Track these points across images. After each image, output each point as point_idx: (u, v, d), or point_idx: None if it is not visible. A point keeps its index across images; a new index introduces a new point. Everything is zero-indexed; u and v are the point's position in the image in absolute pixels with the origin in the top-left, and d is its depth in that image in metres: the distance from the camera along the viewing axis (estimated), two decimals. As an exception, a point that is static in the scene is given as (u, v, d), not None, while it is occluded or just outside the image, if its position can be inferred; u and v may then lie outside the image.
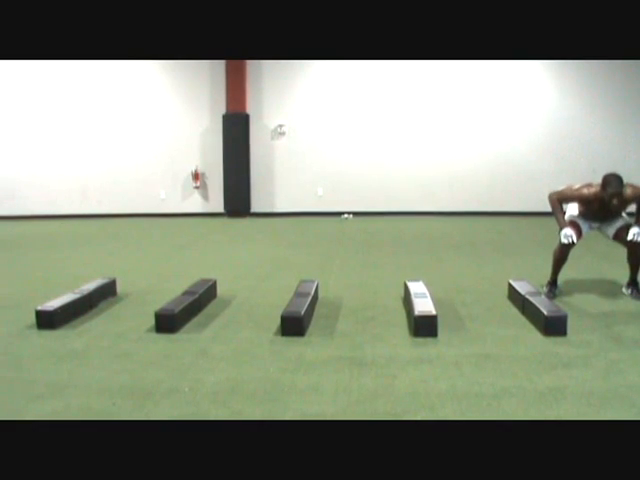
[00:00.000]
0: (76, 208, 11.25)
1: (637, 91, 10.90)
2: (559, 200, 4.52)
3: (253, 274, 5.81)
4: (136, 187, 11.33)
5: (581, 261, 5.80)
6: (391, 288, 5.00)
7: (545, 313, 3.71)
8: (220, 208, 11.23)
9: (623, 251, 4.61)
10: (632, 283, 4.65)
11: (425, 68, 10.97)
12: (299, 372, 3.13)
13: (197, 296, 4.29)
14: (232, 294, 4.83)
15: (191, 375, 3.11)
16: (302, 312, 3.78)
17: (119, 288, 4.91)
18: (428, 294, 4.13)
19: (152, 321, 3.89)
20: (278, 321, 3.80)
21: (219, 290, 4.82)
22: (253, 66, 11.15)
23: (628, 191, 4.29)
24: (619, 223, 4.53)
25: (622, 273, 4.81)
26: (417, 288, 4.29)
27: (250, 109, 11.17)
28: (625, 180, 4.27)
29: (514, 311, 4.26)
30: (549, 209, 4.57)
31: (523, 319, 4.05)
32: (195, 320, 4.11)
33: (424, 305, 3.87)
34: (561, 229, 4.44)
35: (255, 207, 11.35)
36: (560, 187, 4.66)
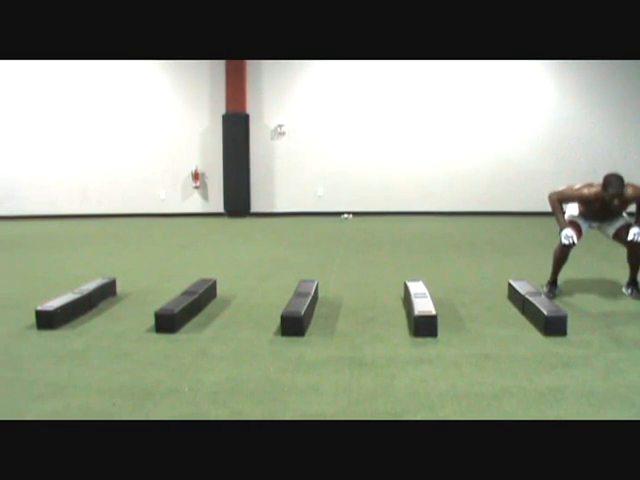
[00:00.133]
0: (76, 208, 11.25)
1: (637, 91, 10.90)
2: (559, 200, 4.52)
3: (253, 274, 5.81)
4: (136, 187, 11.33)
5: (581, 261, 5.80)
6: (391, 288, 5.00)
7: (545, 313, 3.71)
8: (220, 208, 11.23)
9: (623, 251, 4.61)
10: (632, 283, 4.65)
11: (425, 68, 10.97)
12: (299, 372, 3.13)
13: (197, 296, 4.29)
14: (232, 294, 4.83)
15: (191, 375, 3.11)
16: (302, 312, 3.78)
17: (119, 288, 4.91)
18: (428, 294, 4.13)
19: (152, 321, 3.89)
20: (278, 321, 3.80)
21: (219, 290, 4.82)
22: (253, 66, 11.16)
23: (629, 191, 4.29)
24: (619, 223, 4.53)
25: (622, 273, 4.81)
26: (417, 288, 4.29)
27: (250, 109, 11.17)
28: (625, 180, 4.27)
29: (514, 311, 4.26)
30: (549, 209, 4.57)
31: (523, 319, 4.05)
32: (195, 320, 4.11)
33: (424, 305, 3.86)
34: (561, 230, 4.44)
35: (255, 207, 11.35)
36: (560, 187, 4.66)
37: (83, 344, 3.63)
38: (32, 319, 3.97)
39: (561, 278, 4.78)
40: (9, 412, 2.66)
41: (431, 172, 11.16)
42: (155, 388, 2.92)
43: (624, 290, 4.71)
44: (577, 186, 4.54)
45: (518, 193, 10.94)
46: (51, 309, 3.95)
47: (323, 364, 3.23)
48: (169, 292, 4.57)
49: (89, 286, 4.54)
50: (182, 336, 3.78)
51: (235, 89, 11.04)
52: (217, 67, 11.11)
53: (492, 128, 11.10)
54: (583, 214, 4.58)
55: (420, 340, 3.63)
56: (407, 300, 4.25)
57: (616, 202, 4.29)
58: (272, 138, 11.36)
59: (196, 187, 11.35)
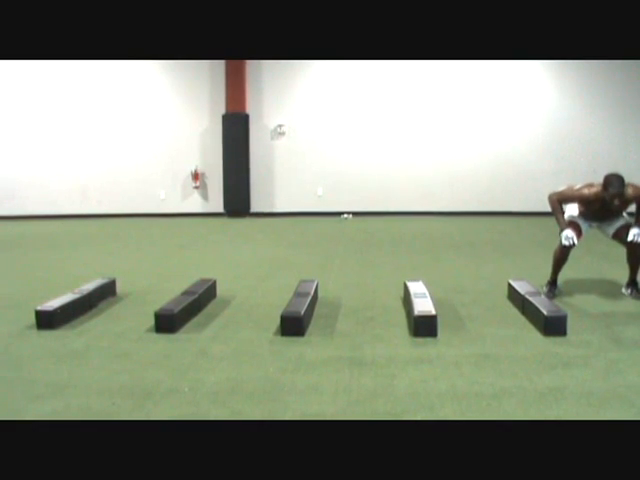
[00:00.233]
0: (76, 208, 11.26)
1: (637, 91, 10.91)
2: (559, 201, 4.51)
3: (253, 274, 5.81)
4: (136, 187, 11.33)
5: (581, 261, 5.80)
6: (391, 288, 5.00)
7: (545, 313, 3.71)
8: (220, 208, 11.23)
9: (623, 251, 4.61)
10: (631, 283, 4.65)
11: (425, 68, 10.98)
12: (299, 372, 3.13)
13: (197, 296, 4.29)
14: (232, 294, 4.83)
15: (191, 375, 3.11)
16: (302, 312, 3.78)
17: (119, 288, 4.91)
18: (428, 294, 4.13)
19: (152, 321, 3.89)
20: (278, 321, 3.80)
21: (219, 290, 4.82)
22: (253, 66, 11.16)
23: (629, 191, 4.29)
24: (619, 223, 4.53)
25: (622, 273, 4.81)
26: (417, 288, 4.29)
27: (250, 109, 11.17)
28: (625, 180, 4.27)
29: (514, 311, 4.26)
30: (549, 209, 4.57)
31: (523, 319, 4.05)
32: (195, 320, 4.11)
33: (424, 305, 3.86)
34: (562, 231, 4.44)
35: (255, 207, 11.36)
36: (560, 187, 4.66)
37: (83, 344, 3.63)
38: (32, 319, 3.97)
39: (561, 278, 4.78)
40: (9, 412, 2.66)
41: (431, 172, 11.17)
42: (155, 388, 2.92)
43: (624, 290, 4.71)
44: (577, 186, 4.54)
45: (518, 193, 10.95)
46: (51, 309, 3.95)
47: (323, 364, 3.23)
48: (169, 292, 4.57)
49: (89, 286, 4.54)
50: (182, 336, 3.78)
51: (235, 89, 11.04)
52: (217, 67, 11.11)
53: (492, 128, 11.10)
54: (583, 214, 4.58)
55: (420, 340, 3.63)
56: (407, 300, 4.25)
57: (616, 202, 4.29)
58: (272, 138, 11.37)
59: (196, 187, 11.35)
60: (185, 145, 11.36)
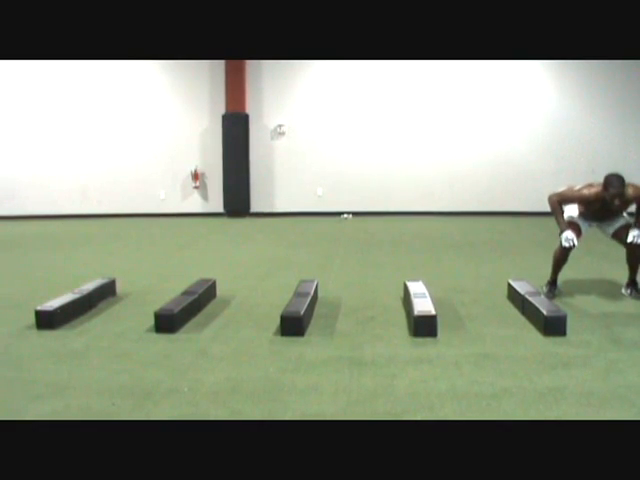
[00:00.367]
0: (76, 208, 11.26)
1: (637, 91, 10.91)
2: (559, 202, 4.50)
3: (253, 274, 5.81)
4: (136, 187, 11.33)
5: (581, 261, 5.80)
6: (391, 288, 5.00)
7: (545, 313, 3.71)
8: (220, 208, 11.23)
9: (623, 251, 4.61)
10: (631, 283, 4.65)
11: (425, 68, 10.98)
12: (299, 372, 3.13)
13: (197, 296, 4.29)
14: (232, 294, 4.83)
15: (191, 375, 3.11)
16: (302, 312, 3.78)
17: (119, 288, 4.91)
18: (428, 294, 4.13)
19: (152, 321, 3.89)
20: (278, 321, 3.80)
21: (219, 290, 4.82)
22: (253, 66, 11.16)
23: (629, 191, 4.29)
24: (619, 223, 4.53)
25: (622, 273, 4.81)
26: (417, 288, 4.29)
27: (250, 109, 11.17)
28: (626, 180, 4.27)
29: (514, 311, 4.26)
30: (549, 209, 4.57)
31: (523, 319, 4.05)
32: (195, 320, 4.11)
33: (424, 305, 3.86)
34: (562, 232, 4.43)
35: (255, 207, 11.36)
36: (560, 187, 4.66)
37: (83, 344, 3.63)
38: (32, 319, 3.97)
39: (561, 278, 4.78)
40: (9, 412, 2.66)
41: (431, 172, 11.17)
42: (155, 388, 2.92)
43: (623, 291, 4.71)
44: (577, 187, 4.54)
45: (518, 193, 10.95)
46: (51, 309, 3.95)
47: (323, 364, 3.23)
48: (169, 292, 4.57)
49: (89, 286, 4.54)
50: (182, 336, 3.78)
51: (235, 89, 11.04)
52: (217, 67, 11.11)
53: (492, 128, 11.10)
54: (583, 214, 4.57)
55: (420, 340, 3.63)
56: (407, 300, 4.25)
57: (617, 202, 4.29)
58: (272, 138, 11.37)
59: (196, 187, 11.36)
60: (185, 145, 11.36)
